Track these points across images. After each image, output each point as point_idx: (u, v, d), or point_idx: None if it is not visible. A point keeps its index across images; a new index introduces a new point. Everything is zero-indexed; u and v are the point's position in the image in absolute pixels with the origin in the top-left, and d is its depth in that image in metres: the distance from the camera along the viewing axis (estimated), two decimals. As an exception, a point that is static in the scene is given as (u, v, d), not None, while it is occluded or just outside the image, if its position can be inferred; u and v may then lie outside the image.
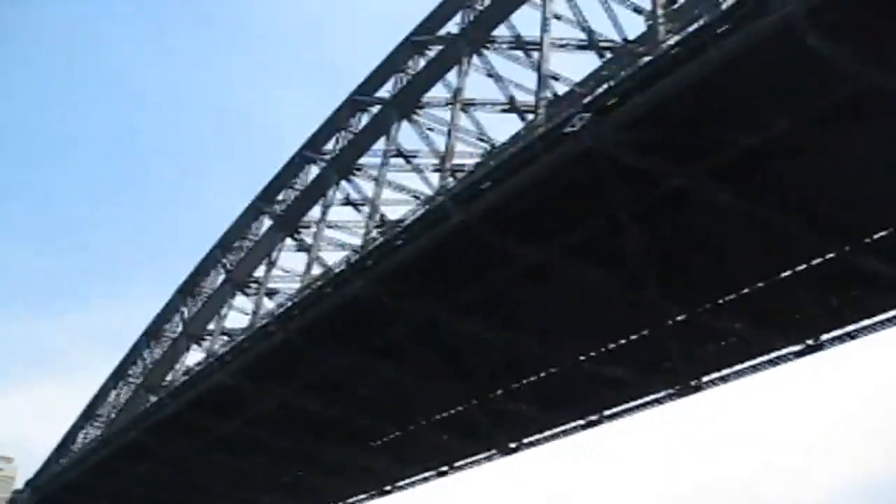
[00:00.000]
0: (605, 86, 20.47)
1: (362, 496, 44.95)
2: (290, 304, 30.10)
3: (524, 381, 31.26)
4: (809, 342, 26.69)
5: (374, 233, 28.82)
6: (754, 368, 28.27)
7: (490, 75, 27.89)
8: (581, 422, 33.33)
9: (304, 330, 28.91)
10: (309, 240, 33.30)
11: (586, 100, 20.52)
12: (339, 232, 32.65)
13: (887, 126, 19.09)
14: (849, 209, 21.88)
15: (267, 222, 36.94)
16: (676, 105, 18.82)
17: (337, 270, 27.93)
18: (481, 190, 22.50)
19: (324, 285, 28.06)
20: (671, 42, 19.39)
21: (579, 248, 23.05)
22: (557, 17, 25.84)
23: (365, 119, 32.34)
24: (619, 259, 23.19)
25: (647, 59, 19.79)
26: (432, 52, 29.80)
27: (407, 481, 41.93)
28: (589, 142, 19.78)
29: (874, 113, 18.62)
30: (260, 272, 36.44)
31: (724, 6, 18.34)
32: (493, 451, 37.04)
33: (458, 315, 26.56)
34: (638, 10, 27.00)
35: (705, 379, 29.23)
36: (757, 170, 20.44)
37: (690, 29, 18.97)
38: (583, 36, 26.32)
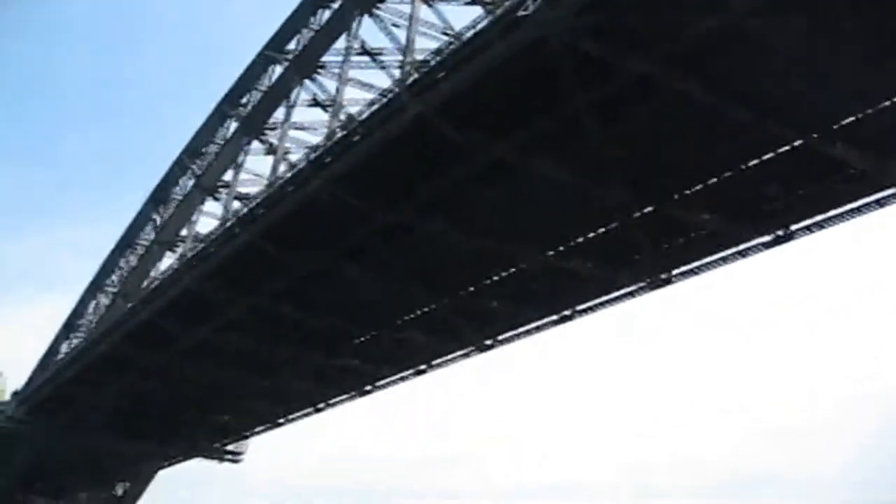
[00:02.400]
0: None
1: (344, 396, 45.17)
2: (253, 205, 29.62)
3: (493, 279, 31.04)
4: (779, 233, 26.32)
5: (339, 133, 28.22)
6: (724, 260, 28.00)
7: None
8: (554, 317, 33.24)
9: (268, 231, 28.57)
10: (275, 142, 32.70)
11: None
12: (306, 133, 31.99)
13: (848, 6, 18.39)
14: (816, 95, 21.33)
15: (233, 126, 36.28)
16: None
17: (295, 170, 27.41)
18: (436, 80, 21.88)
19: (284, 184, 27.59)
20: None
21: (540, 140, 22.53)
22: None
23: (327, 15, 31.45)
24: (582, 151, 22.76)
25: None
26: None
27: (386, 381, 42.07)
28: (542, 26, 19.10)
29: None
30: (228, 176, 35.91)
31: None
32: (470, 349, 37.03)
33: (422, 215, 26.19)
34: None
35: (676, 272, 28.99)
36: (718, 56, 19.86)
37: None
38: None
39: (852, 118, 21.94)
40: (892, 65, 20.30)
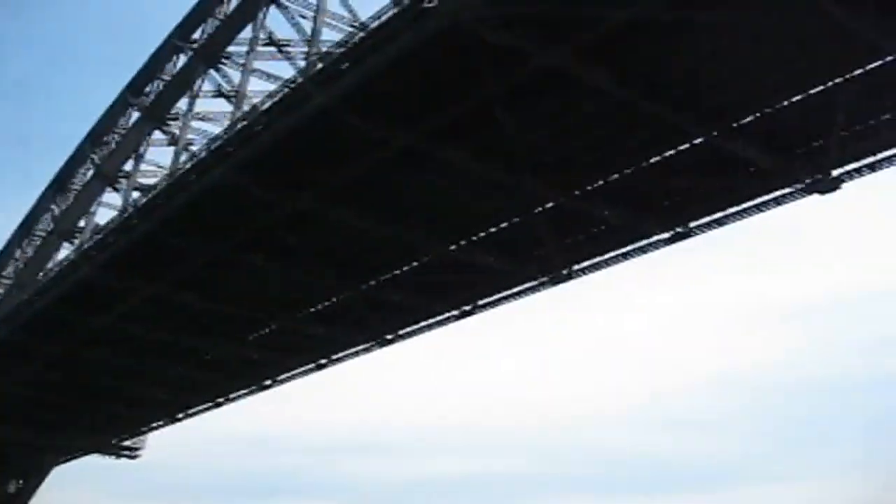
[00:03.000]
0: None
1: (244, 391, 44.68)
2: (152, 195, 29.20)
3: (398, 271, 31.04)
4: (679, 229, 26.75)
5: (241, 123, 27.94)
6: (625, 256, 28.39)
7: None
8: (455, 312, 33.35)
9: (168, 221, 28.17)
10: (177, 132, 32.23)
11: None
12: (209, 123, 31.59)
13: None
14: (719, 92, 21.78)
15: (136, 115, 35.66)
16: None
17: (196, 159, 27.11)
18: (341, 71, 21.81)
19: (185, 174, 27.27)
20: None
21: (449, 130, 22.58)
22: None
23: (234, 5, 31.09)
24: (490, 143, 22.88)
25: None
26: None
27: (286, 375, 41.75)
28: (449, 16, 19.09)
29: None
30: (129, 166, 35.31)
31: None
32: (371, 343, 36.94)
33: (328, 204, 26.08)
34: None
35: (576, 267, 29.28)
36: (627, 49, 20.12)
37: None
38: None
39: (755, 115, 22.32)
40: (795, 64, 20.77)
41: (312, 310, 34.56)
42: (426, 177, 24.65)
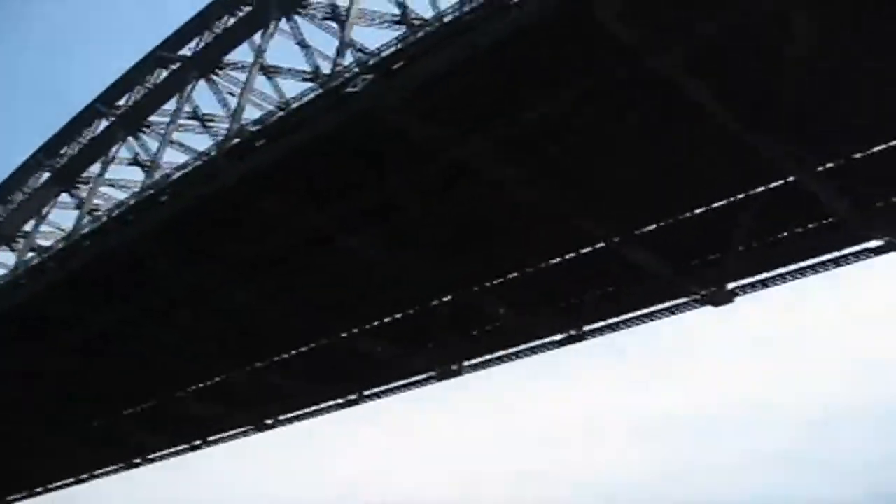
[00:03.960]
0: (394, 48, 20.01)
1: (110, 468, 42.98)
2: (44, 257, 28.39)
3: (289, 354, 30.57)
4: (573, 332, 26.90)
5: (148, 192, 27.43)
6: (516, 355, 28.43)
7: (299, 43, 26.67)
8: (340, 400, 32.88)
9: (56, 285, 27.32)
10: (84, 196, 31.47)
11: (372, 61, 20.03)
12: (119, 190, 30.94)
13: (671, 114, 19.23)
14: (624, 198, 22.12)
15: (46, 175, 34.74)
16: (465, 72, 18.48)
17: (95, 225, 26.48)
18: (255, 147, 21.66)
19: (80, 239, 26.57)
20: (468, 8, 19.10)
21: (355, 217, 22.55)
22: None
23: (164, 75, 30.81)
24: (395, 231, 22.85)
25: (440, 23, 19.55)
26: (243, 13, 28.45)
27: (158, 454, 40.41)
28: (369, 104, 19.25)
29: (665, 98, 18.69)
30: (30, 226, 34.30)
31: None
32: (249, 427, 36.11)
33: (229, 280, 25.71)
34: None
35: (467, 363, 29.18)
36: (538, 147, 20.37)
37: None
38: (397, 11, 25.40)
39: (657, 224, 22.72)
40: (700, 177, 21.29)
41: (195, 387, 33.65)
42: (328, 261, 24.47)
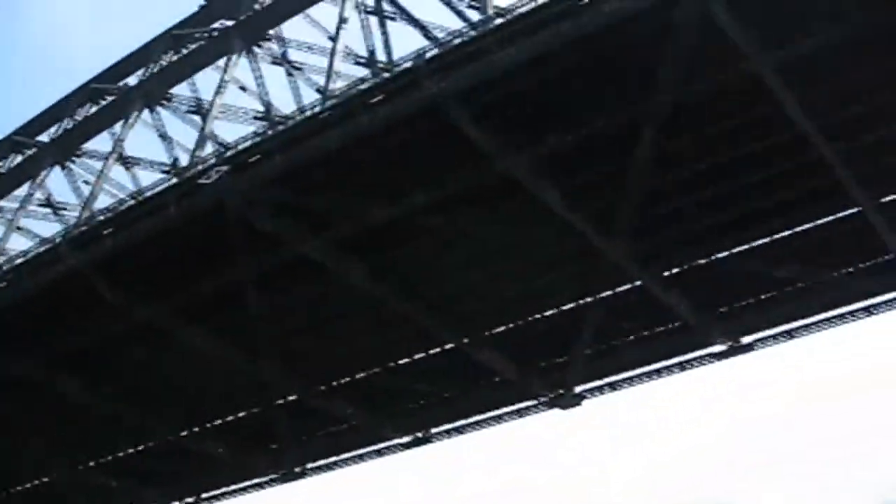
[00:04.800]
0: (249, 142, 19.79)
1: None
2: None
3: (121, 453, 29.18)
4: (419, 434, 26.53)
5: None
6: (361, 458, 27.85)
7: (160, 134, 26.01)
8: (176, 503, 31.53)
9: None
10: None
11: (228, 154, 19.75)
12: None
13: (519, 216, 19.33)
14: (473, 299, 22.13)
15: None
16: (317, 169, 18.48)
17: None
18: (100, 236, 20.95)
19: None
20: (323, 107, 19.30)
21: (196, 310, 21.93)
22: (243, 89, 24.64)
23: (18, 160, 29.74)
24: (238, 327, 22.23)
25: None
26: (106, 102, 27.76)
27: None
28: (220, 195, 18.94)
29: (514, 200, 18.84)
30: None
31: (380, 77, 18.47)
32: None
33: (55, 371, 24.39)
34: (320, 91, 26.17)
35: (311, 465, 28.37)
36: (387, 248, 20.27)
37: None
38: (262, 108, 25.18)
39: (506, 326, 22.75)
40: (548, 278, 21.45)
41: (17, 489, 31.81)
42: (166, 355, 23.63)
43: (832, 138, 17.35)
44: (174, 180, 21.05)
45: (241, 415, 26.83)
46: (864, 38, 15.49)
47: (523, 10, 17.00)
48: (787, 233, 20.22)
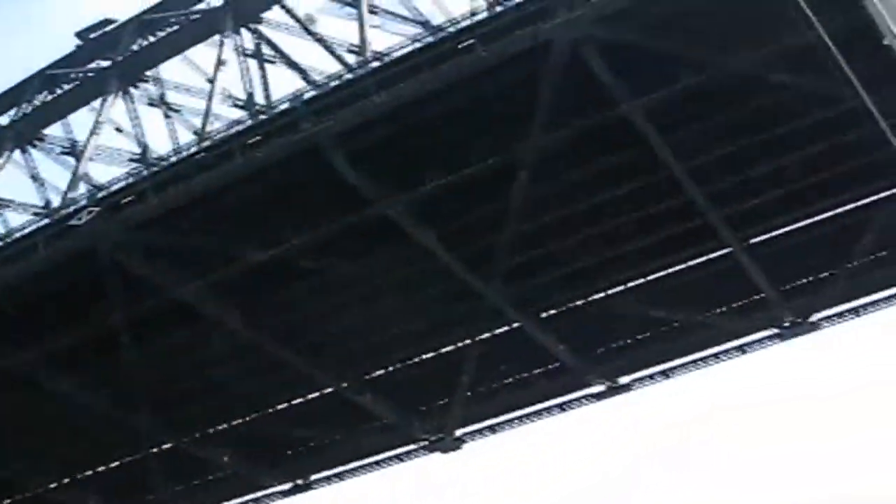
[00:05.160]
0: (122, 183, 19.49)
1: None
2: None
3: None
4: (299, 481, 26.14)
5: None
6: (240, 508, 27.25)
7: (32, 176, 25.25)
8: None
9: None
10: None
11: (100, 195, 19.40)
12: None
13: (398, 258, 19.37)
14: (351, 342, 22.04)
15: None
16: (193, 211, 18.31)
17: None
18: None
19: None
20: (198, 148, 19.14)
21: (65, 357, 21.30)
22: (119, 130, 23.99)
23: None
24: (109, 374, 21.72)
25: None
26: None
27: None
28: (92, 237, 18.60)
29: (392, 243, 18.90)
30: None
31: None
32: None
33: None
34: (197, 133, 25.93)
35: (186, 516, 27.69)
36: (263, 291, 20.08)
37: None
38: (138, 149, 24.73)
39: (384, 369, 22.68)
40: (427, 321, 21.51)
41: None
42: (36, 403, 22.79)
43: (701, 181, 17.82)
44: (45, 221, 20.37)
45: (113, 464, 25.97)
46: (727, 84, 16.04)
47: (400, 54, 17.17)
48: (661, 274, 20.58)
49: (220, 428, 24.72)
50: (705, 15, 15.00)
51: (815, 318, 20.84)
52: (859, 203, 18.97)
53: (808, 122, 16.78)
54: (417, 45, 17.22)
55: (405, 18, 19.22)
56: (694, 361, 22.21)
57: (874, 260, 19.77)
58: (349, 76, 18.32)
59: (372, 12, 19.15)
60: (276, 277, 19.57)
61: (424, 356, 22.64)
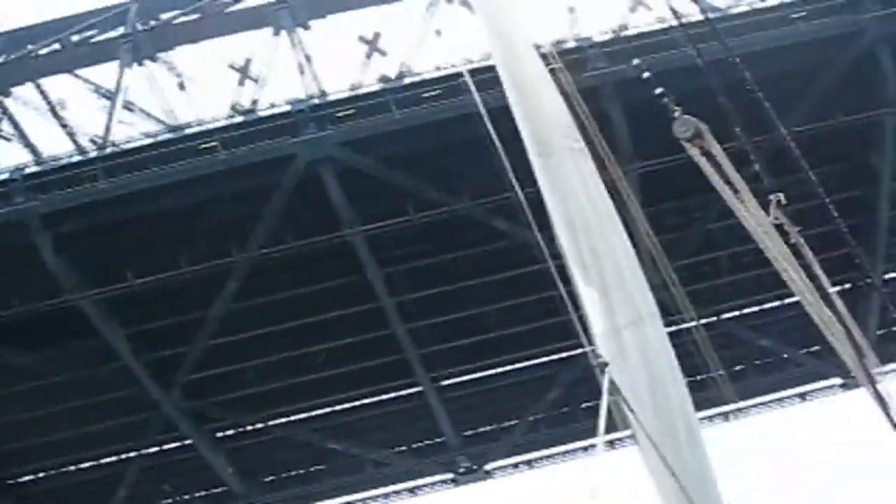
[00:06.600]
0: None
1: None
2: None
3: None
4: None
5: None
6: None
7: None
8: None
9: None
10: None
11: None
12: None
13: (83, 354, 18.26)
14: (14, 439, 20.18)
15: None
16: None
17: None
18: None
19: None
20: None
21: None
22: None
23: None
24: None
25: None
26: None
27: None
28: None
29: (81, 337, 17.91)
30: None
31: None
32: None
33: None
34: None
35: None
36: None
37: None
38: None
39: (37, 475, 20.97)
40: (98, 424, 20.04)
41: None
42: None
43: (407, 317, 17.99)
44: None
45: None
46: (454, 225, 16.49)
47: (138, 144, 16.58)
48: (347, 406, 20.38)
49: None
50: (444, 157, 15.44)
51: (489, 466, 21.18)
52: (552, 357, 19.64)
53: (519, 273, 17.33)
54: (158, 139, 16.56)
55: (158, 120, 18.53)
56: (364, 500, 21.89)
57: (557, 415, 20.46)
58: (78, 158, 17.36)
59: (127, 109, 18.37)
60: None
61: (84, 465, 21.01)
